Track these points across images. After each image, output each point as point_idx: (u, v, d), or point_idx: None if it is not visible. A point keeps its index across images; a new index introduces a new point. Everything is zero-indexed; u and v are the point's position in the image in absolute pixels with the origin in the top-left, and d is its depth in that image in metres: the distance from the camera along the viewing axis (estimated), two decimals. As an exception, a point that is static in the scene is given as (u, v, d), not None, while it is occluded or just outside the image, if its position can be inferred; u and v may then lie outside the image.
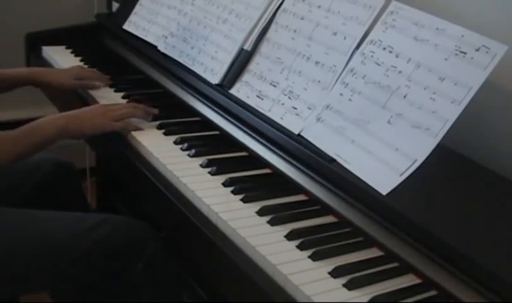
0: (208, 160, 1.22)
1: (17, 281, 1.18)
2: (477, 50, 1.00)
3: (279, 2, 1.36)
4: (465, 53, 1.01)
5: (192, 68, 1.48)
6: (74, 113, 1.32)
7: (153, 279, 1.24)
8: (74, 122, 1.29)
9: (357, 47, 1.18)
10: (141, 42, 1.68)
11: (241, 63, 1.37)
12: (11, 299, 1.50)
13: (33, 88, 1.57)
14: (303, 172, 1.15)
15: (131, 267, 1.21)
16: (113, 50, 1.81)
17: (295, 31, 1.30)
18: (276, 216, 1.06)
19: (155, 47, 1.62)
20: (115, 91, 1.57)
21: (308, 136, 1.17)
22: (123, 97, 1.54)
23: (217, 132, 1.36)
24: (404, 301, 0.90)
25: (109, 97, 1.53)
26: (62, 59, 1.76)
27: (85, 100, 1.54)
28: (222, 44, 1.43)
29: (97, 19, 1.97)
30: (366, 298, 0.89)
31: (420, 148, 1.01)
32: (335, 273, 0.93)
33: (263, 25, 1.37)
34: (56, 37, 1.87)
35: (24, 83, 1.54)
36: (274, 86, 1.28)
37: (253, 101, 1.30)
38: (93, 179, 2.31)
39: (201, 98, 1.43)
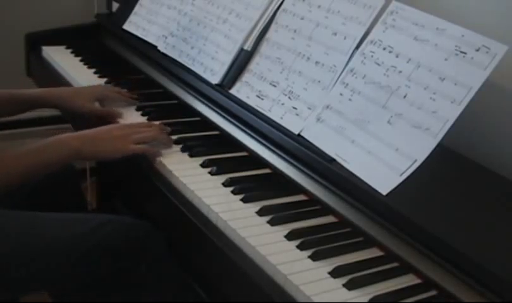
0: (208, 160, 1.22)
1: (17, 283, 1.17)
2: (477, 50, 1.00)
3: (279, 2, 1.36)
4: (465, 53, 1.01)
5: (192, 68, 1.48)
6: (91, 135, 1.22)
7: (156, 279, 1.24)
8: (89, 145, 1.19)
9: (357, 47, 1.18)
10: (141, 42, 1.68)
11: (241, 63, 1.37)
12: (11, 299, 1.50)
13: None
14: (303, 172, 1.15)
15: (133, 268, 1.21)
16: (113, 50, 1.81)
17: (295, 31, 1.30)
18: (276, 216, 1.06)
19: (155, 47, 1.62)
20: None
21: (308, 136, 1.17)
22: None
23: (217, 132, 1.36)
24: (404, 301, 0.90)
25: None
26: (62, 59, 1.76)
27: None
28: (222, 44, 1.43)
29: (97, 19, 1.97)
30: (366, 298, 0.89)
31: (420, 148, 1.01)
32: (335, 273, 0.93)
33: (263, 25, 1.37)
34: (56, 37, 1.87)
35: (40, 105, 1.46)
36: (274, 86, 1.28)
37: (253, 101, 1.30)
38: (93, 179, 2.31)
39: (201, 98, 1.43)
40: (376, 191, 1.02)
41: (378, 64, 1.12)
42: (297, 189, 1.15)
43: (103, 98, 1.48)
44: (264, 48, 1.35)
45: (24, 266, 1.15)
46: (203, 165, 1.21)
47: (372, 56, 1.13)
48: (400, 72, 1.08)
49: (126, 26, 1.76)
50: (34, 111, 1.50)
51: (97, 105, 1.47)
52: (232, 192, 1.13)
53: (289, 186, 1.16)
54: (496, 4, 1.18)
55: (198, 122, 1.41)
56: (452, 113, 1.00)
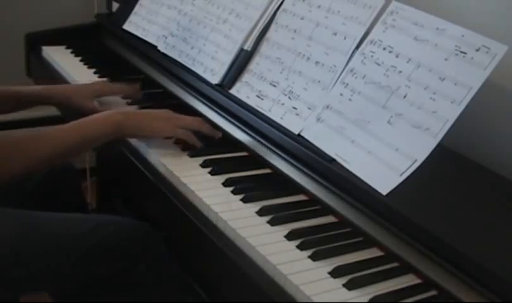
0: (208, 160, 1.22)
1: (17, 283, 1.17)
2: (477, 50, 1.00)
3: (279, 2, 1.36)
4: (465, 53, 1.01)
5: (192, 68, 1.48)
6: (135, 112, 1.25)
7: (156, 279, 1.24)
8: (133, 120, 1.22)
9: (357, 47, 1.18)
10: (141, 42, 1.68)
11: (241, 63, 1.37)
12: (11, 299, 1.50)
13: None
14: (303, 172, 1.15)
15: (133, 268, 1.21)
16: (113, 50, 1.81)
17: (295, 31, 1.30)
18: (276, 216, 1.06)
19: (155, 47, 1.62)
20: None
21: (308, 136, 1.17)
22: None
23: (217, 132, 1.36)
24: (404, 301, 0.90)
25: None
26: (62, 59, 1.76)
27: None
28: (222, 44, 1.43)
29: (97, 19, 1.97)
30: (366, 298, 0.89)
31: (420, 148, 1.01)
32: (335, 273, 0.93)
33: (263, 25, 1.37)
34: (56, 37, 1.87)
35: (40, 102, 1.46)
36: (274, 86, 1.28)
37: (253, 101, 1.30)
38: (93, 179, 2.31)
39: (201, 98, 1.43)
40: (376, 191, 1.02)
41: (378, 64, 1.12)
42: (297, 189, 1.15)
43: (103, 95, 1.47)
44: (264, 48, 1.35)
45: (24, 266, 1.16)
46: (203, 165, 1.21)
47: (372, 56, 1.13)
48: (400, 72, 1.08)
49: (126, 26, 1.76)
50: (34, 111, 1.50)
51: (96, 102, 1.46)
52: (232, 192, 1.13)
53: (289, 186, 1.16)
54: (496, 4, 1.18)
55: (198, 122, 1.41)
56: (452, 113, 1.00)
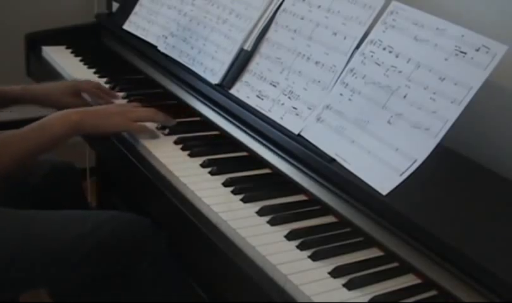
0: (208, 160, 1.22)
1: (17, 283, 1.17)
2: (477, 50, 1.00)
3: (279, 2, 1.36)
4: (465, 53, 1.01)
5: (192, 68, 1.48)
6: (89, 109, 1.27)
7: (158, 277, 1.24)
8: (89, 118, 1.23)
9: (357, 47, 1.18)
10: (141, 42, 1.68)
11: (241, 63, 1.37)
12: (11, 299, 1.50)
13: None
14: (303, 172, 1.15)
15: (134, 266, 1.21)
16: (113, 50, 1.81)
17: (295, 31, 1.30)
18: (276, 216, 1.05)
19: (155, 47, 1.62)
20: (116, 91, 1.57)
21: (308, 136, 1.17)
22: (123, 98, 1.53)
23: (217, 132, 1.36)
24: (404, 301, 0.90)
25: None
26: (62, 59, 1.76)
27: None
28: (222, 44, 1.43)
29: (97, 19, 1.97)
30: (366, 298, 0.89)
31: (420, 148, 1.01)
32: (335, 273, 0.93)
33: (263, 25, 1.37)
34: (56, 37, 1.87)
35: (18, 102, 1.47)
36: (274, 86, 1.28)
37: (253, 101, 1.30)
38: (93, 179, 2.31)
39: (201, 98, 1.43)
40: (376, 191, 1.02)
41: (378, 64, 1.12)
42: (297, 189, 1.15)
43: (80, 91, 1.48)
44: (264, 48, 1.35)
45: (25, 266, 1.15)
46: (203, 165, 1.21)
47: (372, 56, 1.13)
48: (400, 72, 1.08)
49: (126, 26, 1.76)
50: (33, 111, 1.49)
51: (85, 97, 1.48)
52: (232, 192, 1.13)
53: (289, 186, 1.16)
54: (496, 4, 1.18)
55: (198, 122, 1.41)
56: (452, 113, 1.00)
